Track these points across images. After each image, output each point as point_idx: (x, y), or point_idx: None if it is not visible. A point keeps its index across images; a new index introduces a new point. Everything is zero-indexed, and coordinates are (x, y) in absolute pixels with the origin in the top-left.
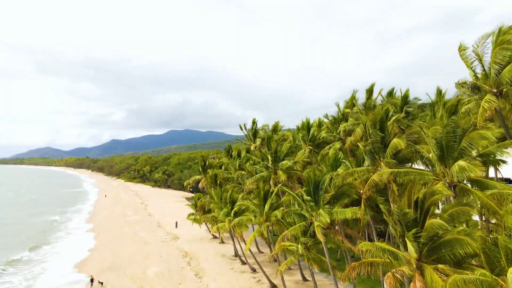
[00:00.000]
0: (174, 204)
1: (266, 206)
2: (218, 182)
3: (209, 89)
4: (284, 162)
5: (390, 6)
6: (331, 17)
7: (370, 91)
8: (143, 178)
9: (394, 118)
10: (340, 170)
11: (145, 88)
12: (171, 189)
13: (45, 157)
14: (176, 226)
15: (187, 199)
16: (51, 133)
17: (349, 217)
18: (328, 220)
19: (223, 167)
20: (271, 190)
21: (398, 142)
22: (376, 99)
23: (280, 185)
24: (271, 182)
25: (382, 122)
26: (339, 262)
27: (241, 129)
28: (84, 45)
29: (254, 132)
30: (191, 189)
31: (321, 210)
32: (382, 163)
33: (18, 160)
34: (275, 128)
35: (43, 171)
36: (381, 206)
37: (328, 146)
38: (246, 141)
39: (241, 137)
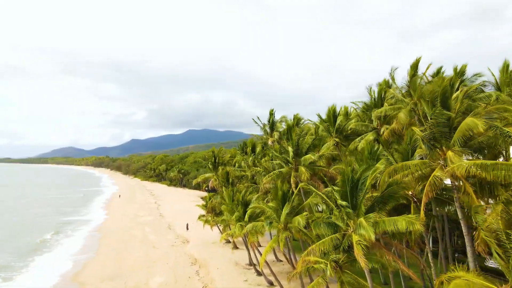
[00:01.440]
0: (187, 204)
1: (284, 209)
2: (231, 180)
3: (228, 88)
4: (307, 156)
5: (415, 0)
6: (353, 13)
7: (415, 66)
8: (159, 177)
9: (464, 91)
10: (379, 166)
11: (166, 88)
12: (187, 188)
13: (68, 156)
14: (187, 229)
15: (203, 198)
16: (74, 133)
17: (403, 228)
18: (373, 235)
19: (236, 165)
20: (291, 190)
21: (473, 123)
22: (421, 77)
23: (302, 184)
24: (291, 181)
25: (446, 98)
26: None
27: (256, 123)
28: (107, 46)
29: (271, 125)
30: (206, 188)
31: (362, 220)
32: (449, 154)
33: (42, 159)
34: (296, 120)
35: (64, 170)
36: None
37: (358, 138)
38: (263, 135)
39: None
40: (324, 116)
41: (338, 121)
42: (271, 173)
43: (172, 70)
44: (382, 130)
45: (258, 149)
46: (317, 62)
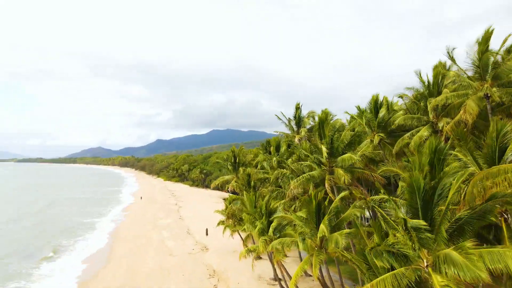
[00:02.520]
0: (209, 205)
1: (321, 225)
2: (252, 184)
3: (253, 88)
4: (345, 156)
5: None
6: (379, 9)
7: (486, 40)
8: (181, 177)
9: None
10: (462, 171)
11: (191, 89)
12: (209, 189)
13: (97, 156)
14: (207, 234)
15: (225, 199)
16: (103, 134)
17: None
18: (485, 275)
19: (258, 166)
20: (328, 198)
21: None
22: (495, 54)
23: (345, 193)
24: (326, 186)
25: None
26: None
27: (280, 119)
28: (134, 49)
29: (298, 121)
30: (229, 189)
31: (451, 252)
32: None
33: (72, 159)
34: (326, 116)
35: (92, 169)
36: None
37: (408, 134)
38: (289, 132)
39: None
40: (354, 112)
41: (380, 114)
42: (300, 176)
43: (197, 71)
44: (441, 123)
45: (283, 148)
46: (342, 60)
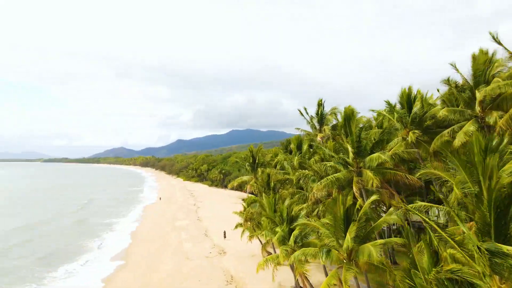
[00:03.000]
0: (227, 206)
1: (348, 233)
2: (272, 185)
3: (273, 88)
4: (374, 155)
5: None
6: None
7: None
8: (200, 177)
9: None
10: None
11: (212, 89)
12: (228, 189)
13: (119, 156)
14: (225, 236)
15: (244, 200)
16: (125, 134)
17: None
18: None
19: (278, 166)
20: (358, 205)
21: None
22: None
23: (374, 197)
24: (354, 189)
25: None
26: None
27: (302, 115)
28: (158, 51)
29: (320, 118)
30: (247, 190)
31: None
32: None
33: (95, 159)
34: (352, 111)
35: (114, 169)
36: None
37: (448, 130)
38: (311, 130)
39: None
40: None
41: (414, 109)
42: (325, 179)
43: (219, 72)
44: (491, 117)
45: (304, 147)
46: (365, 58)
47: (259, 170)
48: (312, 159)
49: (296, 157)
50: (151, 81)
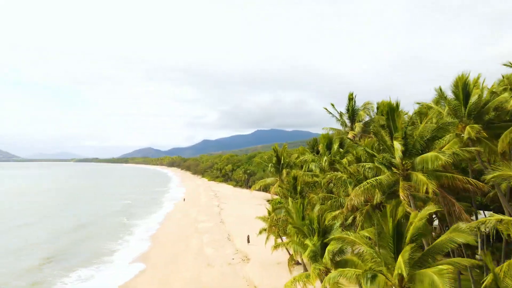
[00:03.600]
0: (252, 208)
1: (401, 256)
2: (299, 188)
3: (300, 88)
4: (428, 155)
5: None
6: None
7: None
8: (225, 177)
9: None
10: None
11: (238, 89)
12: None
13: (147, 156)
14: (248, 241)
15: (269, 201)
16: (153, 135)
17: None
18: None
19: (304, 167)
20: (413, 217)
21: None
22: None
23: (432, 206)
24: (401, 195)
25: None
26: None
27: (329, 112)
28: (185, 53)
29: (351, 114)
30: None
31: None
32: None
33: (124, 159)
34: (396, 104)
35: (141, 169)
36: None
37: None
38: (340, 128)
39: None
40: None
41: (472, 99)
42: (364, 182)
43: (246, 72)
44: None
45: (334, 146)
46: (396, 55)
47: (284, 171)
48: (345, 159)
49: (325, 158)
50: (178, 82)
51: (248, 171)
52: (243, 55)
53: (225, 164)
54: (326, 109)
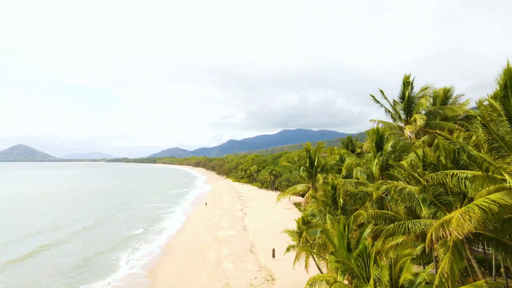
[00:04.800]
0: (278, 213)
1: None
2: (341, 202)
3: (328, 87)
4: None
5: None
6: None
7: None
8: (250, 178)
9: None
10: None
11: (265, 90)
12: (279, 191)
13: (174, 156)
14: (274, 256)
15: (296, 205)
16: (180, 135)
17: None
18: None
19: (343, 171)
20: None
21: None
22: None
23: None
24: None
25: None
26: None
27: (376, 101)
28: (212, 54)
29: (407, 102)
30: (301, 193)
31: None
32: None
33: (151, 159)
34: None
35: (167, 169)
36: None
37: None
38: (390, 121)
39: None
40: None
41: None
42: (479, 201)
43: (272, 72)
44: None
45: (387, 145)
46: (432, 51)
47: (320, 177)
48: (405, 163)
49: (375, 161)
50: (206, 82)
51: (274, 172)
52: (271, 55)
53: (250, 164)
54: (373, 96)
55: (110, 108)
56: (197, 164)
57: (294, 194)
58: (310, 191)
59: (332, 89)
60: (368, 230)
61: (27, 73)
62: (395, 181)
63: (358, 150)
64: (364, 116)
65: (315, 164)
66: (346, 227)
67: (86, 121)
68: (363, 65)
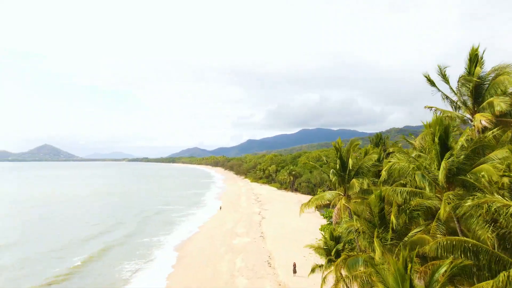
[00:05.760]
0: (299, 219)
1: None
2: (393, 222)
3: (348, 85)
4: None
5: None
6: None
7: None
8: (268, 178)
9: None
10: None
11: (285, 89)
12: (299, 193)
13: (193, 156)
14: (295, 271)
15: (318, 208)
16: (200, 135)
17: None
18: None
19: (383, 175)
20: None
21: None
22: None
23: None
24: None
25: None
26: None
27: (432, 85)
28: (232, 54)
29: (476, 86)
30: (329, 202)
31: None
32: None
33: (171, 159)
34: None
35: (186, 169)
36: None
37: None
38: (449, 109)
39: (384, 133)
40: None
41: None
42: None
43: (292, 71)
44: None
45: (460, 140)
46: (457, 45)
47: (355, 183)
48: (490, 168)
49: (443, 164)
50: (226, 82)
51: (293, 172)
52: (291, 54)
53: (269, 164)
54: (427, 77)
55: (131, 108)
56: (215, 164)
57: (321, 203)
58: (343, 201)
59: (353, 88)
60: (443, 269)
61: (51, 76)
62: (487, 195)
63: (390, 149)
64: (385, 115)
65: (349, 166)
66: (409, 264)
67: (108, 121)
68: (385, 62)
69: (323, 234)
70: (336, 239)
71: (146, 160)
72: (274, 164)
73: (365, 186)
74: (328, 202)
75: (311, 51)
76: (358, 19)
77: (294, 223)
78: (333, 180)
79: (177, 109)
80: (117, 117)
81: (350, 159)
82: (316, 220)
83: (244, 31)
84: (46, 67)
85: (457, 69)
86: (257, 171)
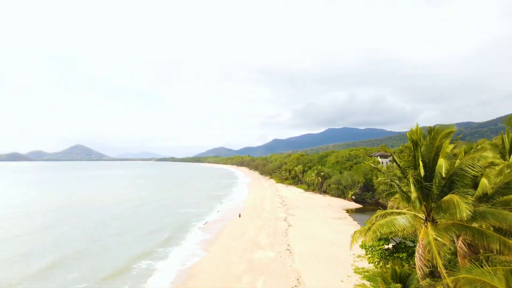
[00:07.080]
0: (329, 224)
1: None
2: None
3: (377, 83)
4: None
5: None
6: None
7: None
8: (295, 179)
9: None
10: None
11: (313, 88)
12: (327, 195)
13: (219, 155)
14: None
15: (349, 212)
16: (226, 134)
17: None
18: None
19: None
20: None
21: None
22: None
23: None
24: None
25: None
26: None
27: None
28: (259, 53)
29: None
30: (353, 197)
31: None
32: None
33: (197, 158)
34: None
35: (211, 168)
36: None
37: None
38: None
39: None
40: None
41: None
42: None
43: (320, 70)
44: None
45: None
46: (488, 42)
47: (454, 200)
48: None
49: None
50: (253, 82)
51: (322, 173)
52: (319, 52)
53: (295, 164)
54: None
55: (158, 109)
56: (240, 164)
57: (389, 234)
58: (430, 230)
59: (382, 85)
60: None
61: (82, 77)
62: None
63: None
64: (415, 113)
65: (440, 172)
66: None
67: (137, 121)
68: (416, 58)
69: (383, 275)
70: (403, 279)
71: (173, 159)
72: (300, 164)
73: (468, 208)
74: (399, 229)
75: (342, 48)
76: (391, 14)
77: (326, 233)
78: (412, 197)
79: (205, 109)
80: (146, 117)
81: (442, 159)
82: (350, 227)
83: (274, 30)
84: (78, 68)
85: (497, 61)
86: (283, 172)
